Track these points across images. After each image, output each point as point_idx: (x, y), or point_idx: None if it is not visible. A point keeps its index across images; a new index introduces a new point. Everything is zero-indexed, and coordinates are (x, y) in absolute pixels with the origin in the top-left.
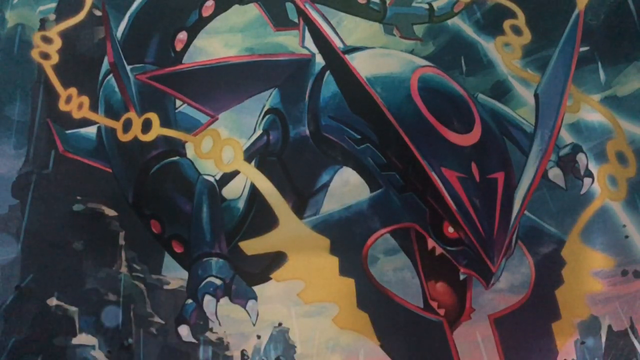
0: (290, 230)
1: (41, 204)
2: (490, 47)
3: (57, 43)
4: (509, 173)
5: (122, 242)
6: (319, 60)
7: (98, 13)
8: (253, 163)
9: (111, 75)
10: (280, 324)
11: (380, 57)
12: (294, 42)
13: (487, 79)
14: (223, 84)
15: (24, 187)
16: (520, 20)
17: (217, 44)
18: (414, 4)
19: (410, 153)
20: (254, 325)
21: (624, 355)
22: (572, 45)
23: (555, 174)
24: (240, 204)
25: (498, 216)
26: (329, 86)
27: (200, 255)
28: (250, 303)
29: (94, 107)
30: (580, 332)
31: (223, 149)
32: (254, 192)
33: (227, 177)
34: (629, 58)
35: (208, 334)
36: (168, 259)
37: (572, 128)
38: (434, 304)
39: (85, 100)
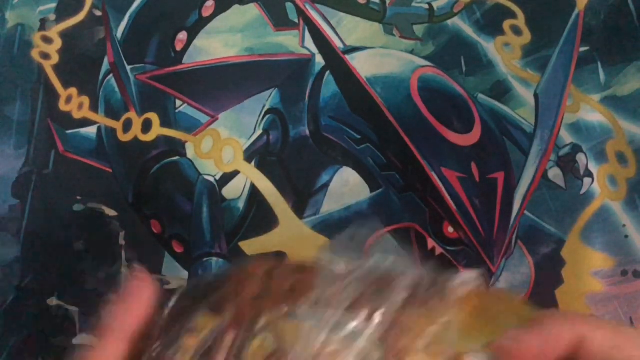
0: (290, 230)
1: (41, 204)
2: (490, 47)
3: (57, 43)
4: (509, 173)
5: (122, 242)
6: (319, 60)
7: (98, 13)
8: (253, 163)
9: (111, 75)
10: None
11: (380, 57)
12: (294, 42)
13: (487, 79)
14: (223, 84)
15: (24, 187)
16: (520, 20)
17: (217, 44)
18: (413, 4)
19: (410, 153)
20: None
21: None
22: (572, 46)
23: (555, 174)
24: (240, 204)
25: (498, 216)
26: (329, 86)
27: (201, 255)
28: None
29: (94, 107)
30: None
31: (223, 149)
32: (254, 192)
33: (227, 177)
34: (629, 58)
35: None
36: (168, 259)
37: (572, 128)
38: None
39: (86, 100)
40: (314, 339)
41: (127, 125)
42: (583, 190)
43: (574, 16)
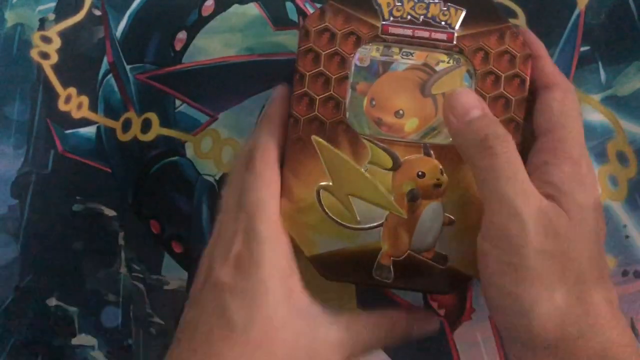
0: None
1: (40, 204)
2: None
3: (57, 43)
4: None
5: (121, 242)
6: None
7: (97, 12)
8: None
9: (110, 75)
10: None
11: None
12: (294, 42)
13: None
14: (223, 84)
15: (23, 187)
16: (521, 20)
17: (217, 43)
18: None
19: None
20: None
21: None
22: (572, 45)
23: None
24: None
25: None
26: None
27: (200, 256)
28: None
29: (93, 107)
30: None
31: (223, 149)
32: None
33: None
34: (629, 58)
35: None
36: (168, 259)
37: None
38: (434, 304)
39: (85, 100)
40: None
41: (127, 125)
42: None
43: (574, 16)
